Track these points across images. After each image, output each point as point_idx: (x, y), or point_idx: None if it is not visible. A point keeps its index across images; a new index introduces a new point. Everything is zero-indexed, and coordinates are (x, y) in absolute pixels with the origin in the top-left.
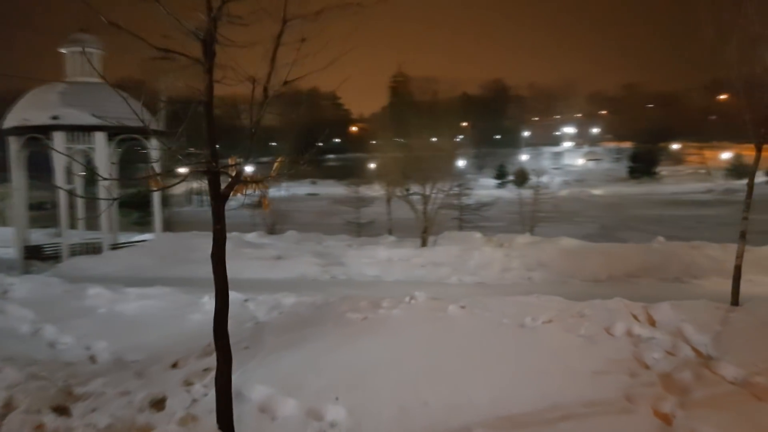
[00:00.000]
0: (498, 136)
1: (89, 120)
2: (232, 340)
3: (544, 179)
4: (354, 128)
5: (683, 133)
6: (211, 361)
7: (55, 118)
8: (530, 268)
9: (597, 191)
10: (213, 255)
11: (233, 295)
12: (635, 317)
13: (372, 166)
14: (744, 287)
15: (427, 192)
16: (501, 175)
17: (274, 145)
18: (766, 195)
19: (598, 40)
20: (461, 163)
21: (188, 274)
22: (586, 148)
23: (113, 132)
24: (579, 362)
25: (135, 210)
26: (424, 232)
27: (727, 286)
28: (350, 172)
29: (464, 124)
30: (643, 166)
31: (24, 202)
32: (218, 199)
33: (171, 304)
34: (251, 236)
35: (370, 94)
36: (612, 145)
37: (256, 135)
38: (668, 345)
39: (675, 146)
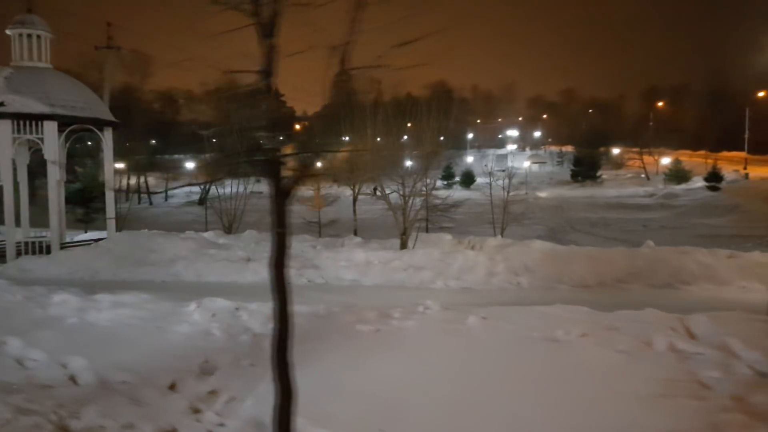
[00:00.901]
0: (442, 138)
1: (38, 108)
2: (229, 356)
3: (492, 180)
4: (297, 126)
5: (621, 138)
6: (215, 381)
7: (0, 104)
8: (516, 273)
9: (542, 194)
10: (273, 264)
11: (221, 303)
12: (673, 330)
13: (319, 164)
14: (737, 294)
15: (406, 192)
16: (448, 176)
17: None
18: (706, 199)
19: (537, 44)
20: (408, 163)
21: (150, 277)
22: (528, 151)
23: (65, 122)
24: (633, 384)
25: (78, 206)
26: (404, 233)
27: (720, 292)
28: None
29: (409, 124)
30: (585, 169)
31: None
32: (281, 196)
33: (150, 313)
34: (208, 235)
35: (311, 90)
36: (554, 148)
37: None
38: (719, 362)
39: (615, 151)
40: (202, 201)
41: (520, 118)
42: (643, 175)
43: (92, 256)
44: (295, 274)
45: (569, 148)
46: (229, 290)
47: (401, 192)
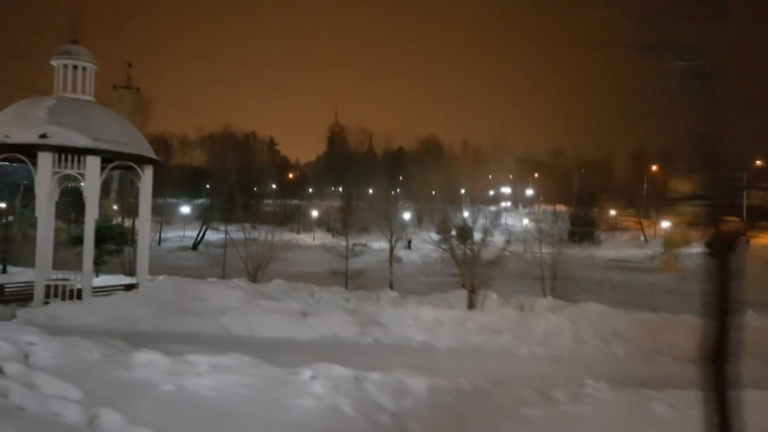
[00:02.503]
0: (434, 192)
1: (82, 141)
2: None
3: (488, 236)
4: (291, 175)
5: (615, 199)
6: None
7: (43, 136)
8: (607, 340)
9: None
10: (708, 356)
11: (338, 371)
12: None
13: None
14: None
15: (475, 246)
16: (443, 230)
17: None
18: (708, 264)
19: (524, 102)
20: (406, 216)
21: (196, 329)
22: (521, 209)
23: (107, 158)
24: None
25: None
26: (472, 291)
27: None
28: (289, 218)
29: (401, 178)
30: (582, 229)
31: None
32: (723, 248)
33: (259, 381)
34: (234, 283)
35: (304, 140)
36: (547, 207)
37: None
38: None
39: (612, 212)
40: (196, 246)
41: (511, 176)
42: (642, 238)
43: (130, 304)
44: (357, 332)
45: (562, 207)
46: (289, 347)
47: (468, 244)
